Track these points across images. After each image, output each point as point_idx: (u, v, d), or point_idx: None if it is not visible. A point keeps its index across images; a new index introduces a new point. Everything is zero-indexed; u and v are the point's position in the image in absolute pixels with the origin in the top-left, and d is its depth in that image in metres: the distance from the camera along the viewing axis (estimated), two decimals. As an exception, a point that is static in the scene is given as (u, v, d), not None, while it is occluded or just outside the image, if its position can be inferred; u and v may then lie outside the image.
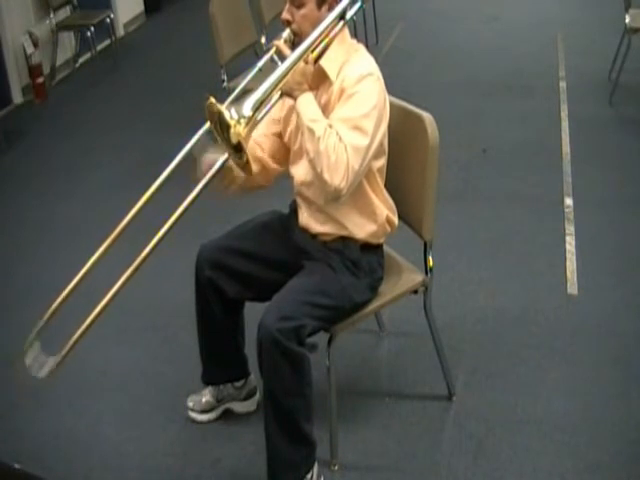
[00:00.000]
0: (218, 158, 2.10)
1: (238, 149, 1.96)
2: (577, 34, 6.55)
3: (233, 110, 1.94)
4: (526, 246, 3.56)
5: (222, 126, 1.96)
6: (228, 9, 4.29)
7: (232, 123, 1.92)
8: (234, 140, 1.94)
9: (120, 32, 7.13)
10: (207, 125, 2.10)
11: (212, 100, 1.96)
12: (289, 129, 2.30)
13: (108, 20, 6.29)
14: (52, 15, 5.92)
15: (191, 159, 2.17)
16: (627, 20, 4.97)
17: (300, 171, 2.29)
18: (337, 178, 2.05)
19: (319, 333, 2.21)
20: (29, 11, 5.80)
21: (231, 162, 2.06)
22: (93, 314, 2.04)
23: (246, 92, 2.06)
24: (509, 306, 3.13)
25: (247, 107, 1.96)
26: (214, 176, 2.10)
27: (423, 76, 5.76)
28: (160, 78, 6.15)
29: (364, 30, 6.13)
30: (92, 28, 6.01)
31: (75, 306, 2.09)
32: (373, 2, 6.26)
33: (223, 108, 1.94)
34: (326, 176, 2.05)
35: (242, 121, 1.94)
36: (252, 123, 1.97)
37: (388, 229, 2.35)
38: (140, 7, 7.66)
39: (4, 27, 5.47)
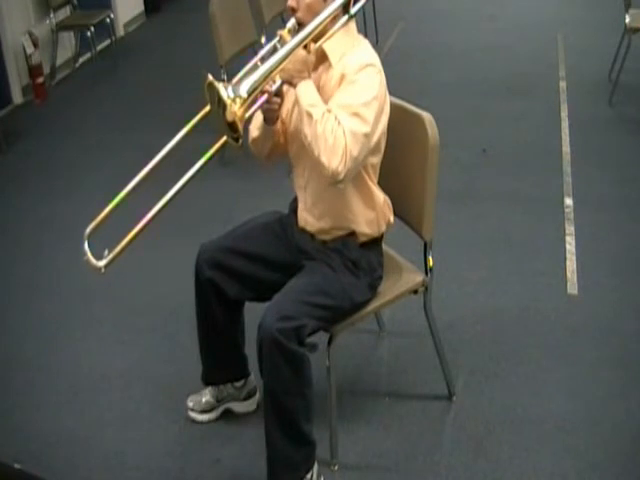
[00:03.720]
0: None
1: (233, 129, 1.97)
2: (577, 34, 6.55)
3: (230, 89, 1.95)
4: (526, 246, 3.56)
5: (219, 105, 1.96)
6: (228, 9, 4.29)
7: (228, 102, 1.93)
8: (229, 119, 1.95)
9: (120, 32, 7.13)
10: (207, 108, 2.11)
11: (210, 78, 1.98)
12: (286, 108, 2.28)
13: (108, 20, 6.28)
14: (52, 15, 5.92)
15: None
16: (627, 20, 4.98)
17: (295, 145, 2.28)
18: (335, 161, 2.02)
19: (319, 333, 2.21)
20: (29, 11, 5.79)
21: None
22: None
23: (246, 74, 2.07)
24: (509, 306, 3.13)
25: (244, 88, 1.97)
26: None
27: (423, 76, 5.76)
28: (160, 78, 6.15)
29: (364, 30, 6.12)
30: (92, 28, 6.01)
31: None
32: (373, 2, 6.25)
33: (220, 85, 1.95)
34: (323, 159, 2.03)
35: (237, 100, 1.95)
36: (247, 105, 1.98)
37: (387, 214, 2.33)
38: (140, 7, 7.66)
39: (4, 27, 5.46)
